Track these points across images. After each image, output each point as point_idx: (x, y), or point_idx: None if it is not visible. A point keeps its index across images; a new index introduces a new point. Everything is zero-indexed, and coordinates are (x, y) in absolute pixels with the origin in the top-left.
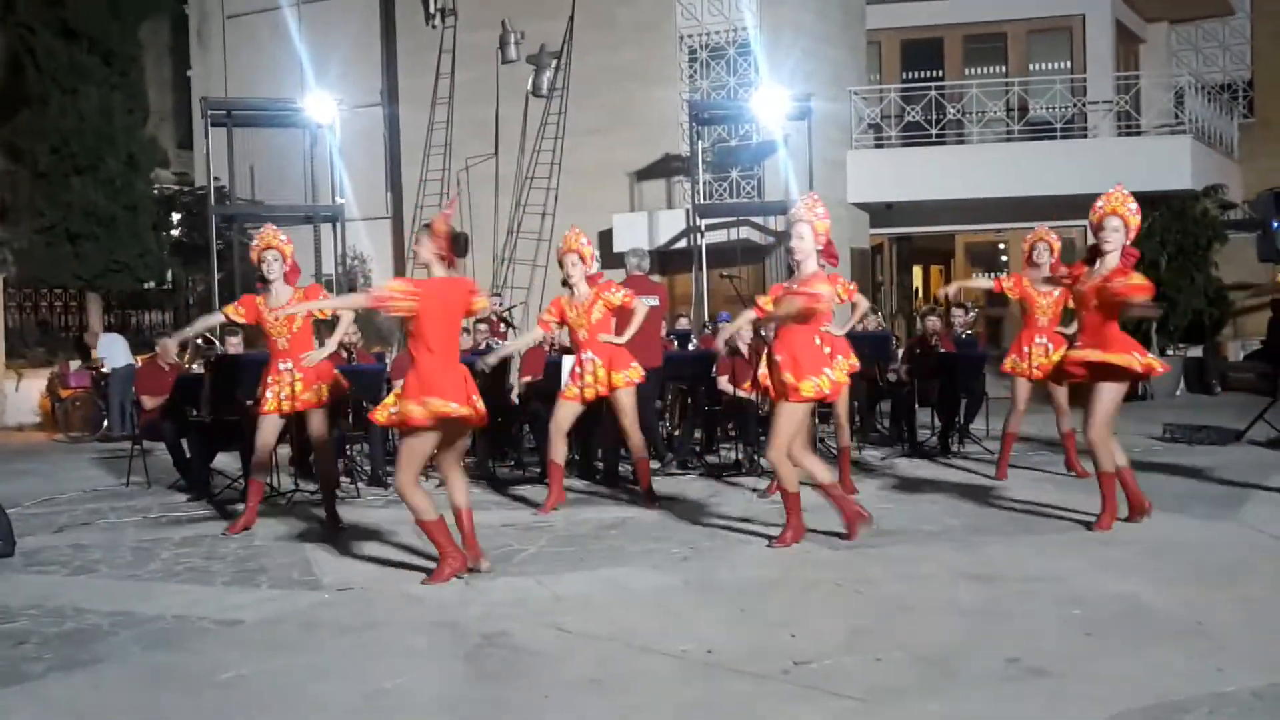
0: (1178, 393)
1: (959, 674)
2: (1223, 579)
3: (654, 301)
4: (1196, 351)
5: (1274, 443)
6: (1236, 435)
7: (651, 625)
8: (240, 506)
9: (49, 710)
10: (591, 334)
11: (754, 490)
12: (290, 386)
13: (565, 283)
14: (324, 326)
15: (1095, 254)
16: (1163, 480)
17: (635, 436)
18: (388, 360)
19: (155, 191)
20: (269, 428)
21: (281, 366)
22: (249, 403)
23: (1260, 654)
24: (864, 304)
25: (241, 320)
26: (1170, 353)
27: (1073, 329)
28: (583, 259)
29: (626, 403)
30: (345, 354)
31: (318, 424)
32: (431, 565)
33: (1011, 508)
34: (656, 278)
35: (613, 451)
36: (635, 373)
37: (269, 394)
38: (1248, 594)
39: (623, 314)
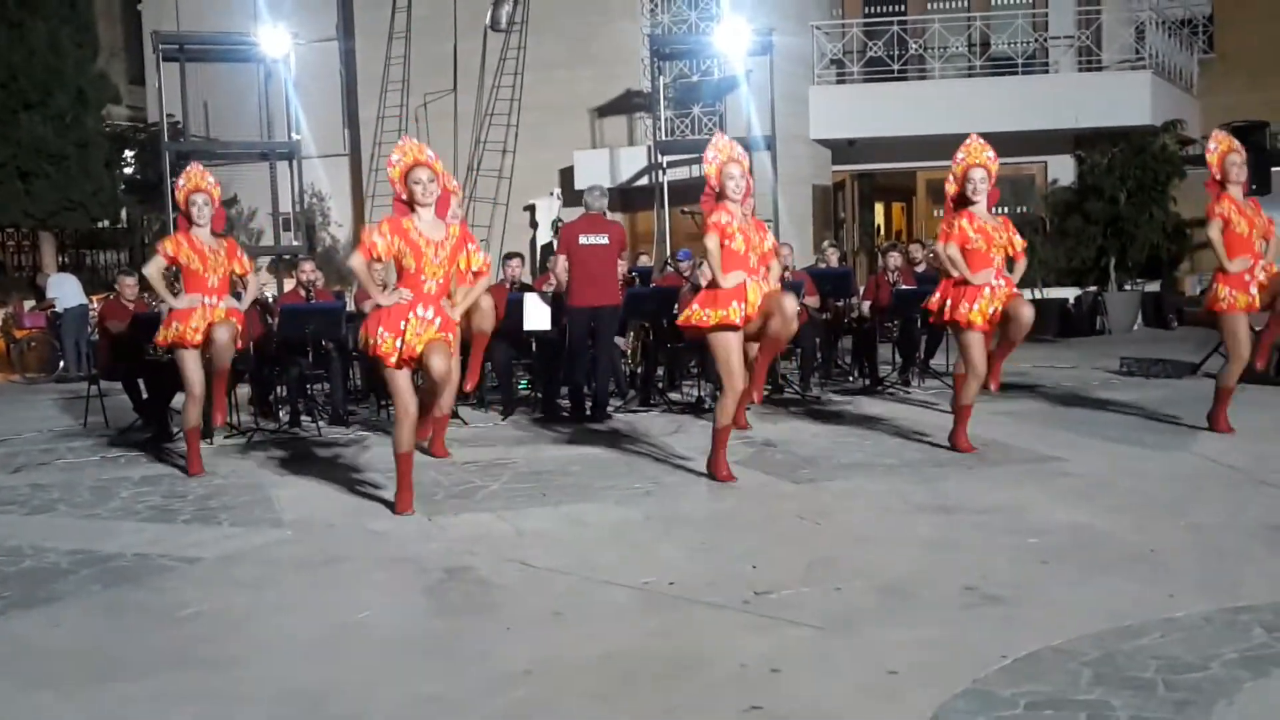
0: (1135, 327)
1: (916, 602)
2: (1175, 508)
3: (602, 240)
4: (1154, 286)
5: None
6: (1192, 368)
7: (613, 559)
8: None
9: (8, 647)
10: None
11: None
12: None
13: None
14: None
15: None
16: (1119, 412)
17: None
18: (347, 299)
19: (107, 128)
20: (193, 363)
21: (207, 302)
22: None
23: (1210, 580)
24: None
25: (177, 258)
26: (1128, 287)
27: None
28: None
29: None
30: (303, 293)
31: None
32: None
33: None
34: (618, 215)
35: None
36: None
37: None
38: (1199, 522)
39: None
